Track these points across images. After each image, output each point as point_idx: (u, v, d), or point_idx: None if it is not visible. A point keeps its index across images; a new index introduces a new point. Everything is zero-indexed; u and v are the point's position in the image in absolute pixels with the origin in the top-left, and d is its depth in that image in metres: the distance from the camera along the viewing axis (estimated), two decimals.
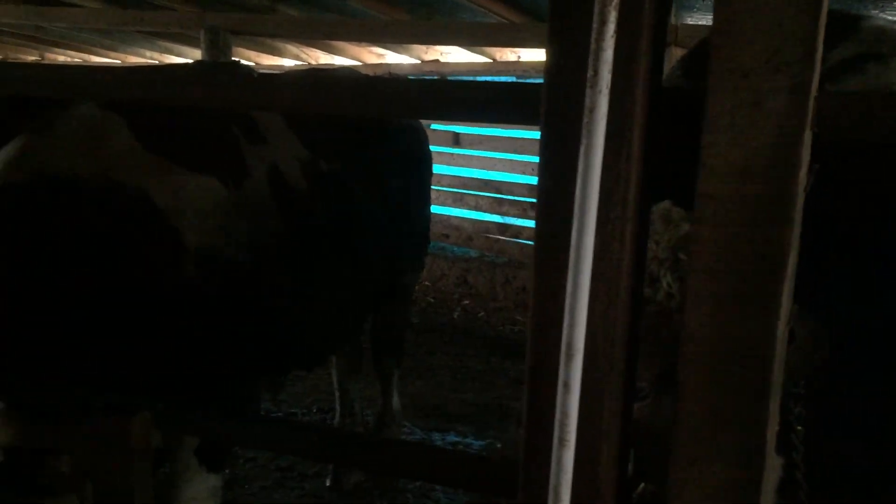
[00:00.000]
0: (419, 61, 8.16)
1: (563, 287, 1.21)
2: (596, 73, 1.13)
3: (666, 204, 1.63)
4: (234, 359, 2.70)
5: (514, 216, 8.64)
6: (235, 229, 2.71)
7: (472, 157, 8.97)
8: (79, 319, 2.22)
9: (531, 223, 8.55)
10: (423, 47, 7.81)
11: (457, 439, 5.14)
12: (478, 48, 7.28)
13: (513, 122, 2.51)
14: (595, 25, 1.12)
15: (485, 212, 8.83)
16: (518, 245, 8.49)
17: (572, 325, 1.20)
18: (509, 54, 7.54)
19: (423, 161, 4.25)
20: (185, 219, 2.51)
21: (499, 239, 8.72)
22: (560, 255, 1.21)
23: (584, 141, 1.16)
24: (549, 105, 1.21)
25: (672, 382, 1.25)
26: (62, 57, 10.92)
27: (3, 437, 1.84)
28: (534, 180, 8.82)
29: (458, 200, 9.03)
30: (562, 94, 1.19)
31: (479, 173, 8.94)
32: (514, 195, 8.60)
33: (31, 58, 11.07)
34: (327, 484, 4.31)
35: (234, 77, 2.41)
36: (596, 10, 1.11)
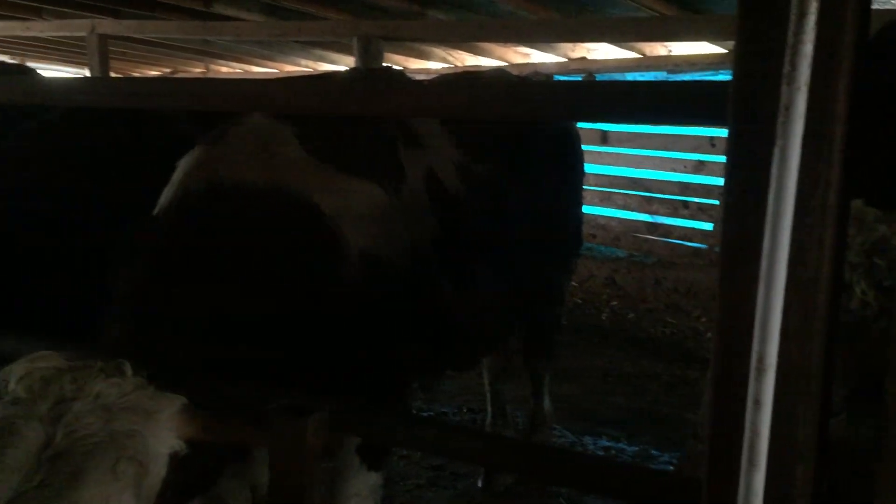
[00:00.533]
0: (565, 59, 8.05)
1: (754, 297, 1.13)
2: (794, 68, 1.05)
3: (858, 203, 1.51)
4: (391, 361, 2.76)
5: (663, 215, 8.37)
6: (395, 233, 2.76)
7: (620, 155, 8.76)
8: (254, 320, 2.33)
9: (681, 222, 8.26)
10: (570, 45, 7.70)
11: (609, 444, 5.03)
12: (627, 44, 7.09)
13: (697, 121, 2.41)
14: (793, 17, 1.04)
15: (633, 211, 8.61)
16: (668, 245, 8.22)
17: (764, 339, 1.12)
18: (659, 48, 7.30)
19: (576, 161, 4.18)
20: (350, 224, 2.58)
21: (648, 238, 8.48)
22: (750, 262, 1.14)
23: (778, 141, 1.08)
24: (738, 103, 1.14)
25: (868, 398, 1.15)
26: (224, 68, 11.62)
27: (188, 431, 1.92)
28: (684, 178, 8.51)
29: (606, 199, 8.85)
30: (753, 91, 1.11)
31: (627, 171, 8.73)
32: (663, 193, 8.33)
33: (198, 70, 11.85)
34: (479, 485, 4.33)
35: (405, 85, 2.45)
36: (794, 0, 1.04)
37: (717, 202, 7.73)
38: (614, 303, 7.98)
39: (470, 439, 1.92)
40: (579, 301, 8.18)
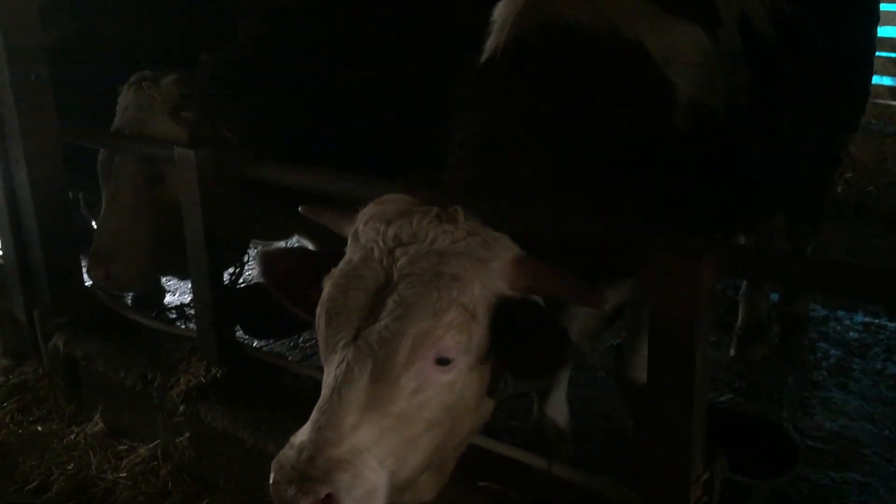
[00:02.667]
0: None
1: None
2: None
3: None
4: (701, 213, 2.64)
5: None
6: (716, 81, 2.59)
7: None
8: (589, 164, 2.27)
9: None
10: None
11: (867, 320, 4.75)
12: None
13: None
14: None
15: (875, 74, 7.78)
16: None
17: None
18: None
19: (875, 14, 3.75)
20: (678, 70, 2.44)
21: (889, 104, 7.67)
22: None
23: None
24: None
25: None
26: None
27: (520, 281, 1.89)
28: None
29: None
30: None
31: None
32: None
33: None
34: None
35: None
36: None
37: None
38: (849, 175, 7.36)
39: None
40: None
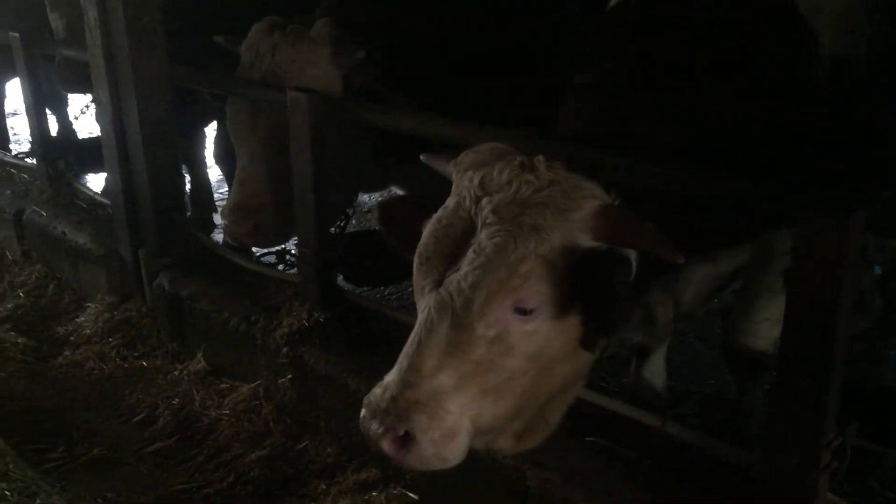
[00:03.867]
0: None
1: None
2: None
3: None
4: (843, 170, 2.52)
5: None
6: (857, 34, 2.46)
7: None
8: (725, 117, 2.20)
9: None
10: None
11: None
12: None
13: None
14: None
15: None
16: None
17: None
18: None
19: None
20: (822, 22, 2.32)
21: None
22: None
23: None
24: None
25: None
26: None
27: (603, 232, 1.80)
28: None
29: None
30: None
31: None
32: None
33: None
34: None
35: None
36: None
37: None
38: None
39: None
40: None
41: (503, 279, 1.76)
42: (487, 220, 1.80)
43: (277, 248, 4.32)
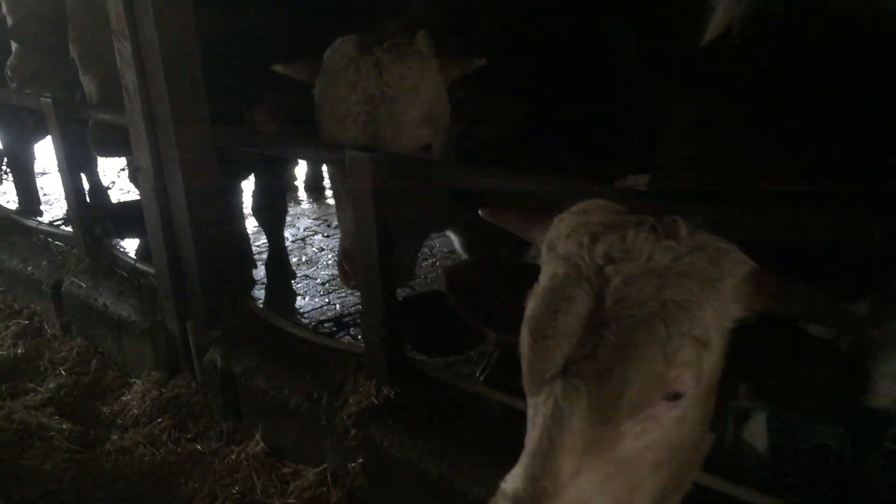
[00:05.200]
0: None
1: None
2: None
3: None
4: None
5: None
6: None
7: None
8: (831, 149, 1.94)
9: None
10: None
11: None
12: None
13: None
14: None
15: None
16: None
17: None
18: None
19: None
20: None
21: None
22: None
23: None
24: None
25: None
26: None
27: (758, 301, 1.56)
28: None
29: None
30: None
31: None
32: None
33: None
34: None
35: None
36: None
37: None
38: None
39: None
40: None
41: (660, 371, 1.50)
42: (620, 294, 1.53)
43: (335, 314, 4.04)
